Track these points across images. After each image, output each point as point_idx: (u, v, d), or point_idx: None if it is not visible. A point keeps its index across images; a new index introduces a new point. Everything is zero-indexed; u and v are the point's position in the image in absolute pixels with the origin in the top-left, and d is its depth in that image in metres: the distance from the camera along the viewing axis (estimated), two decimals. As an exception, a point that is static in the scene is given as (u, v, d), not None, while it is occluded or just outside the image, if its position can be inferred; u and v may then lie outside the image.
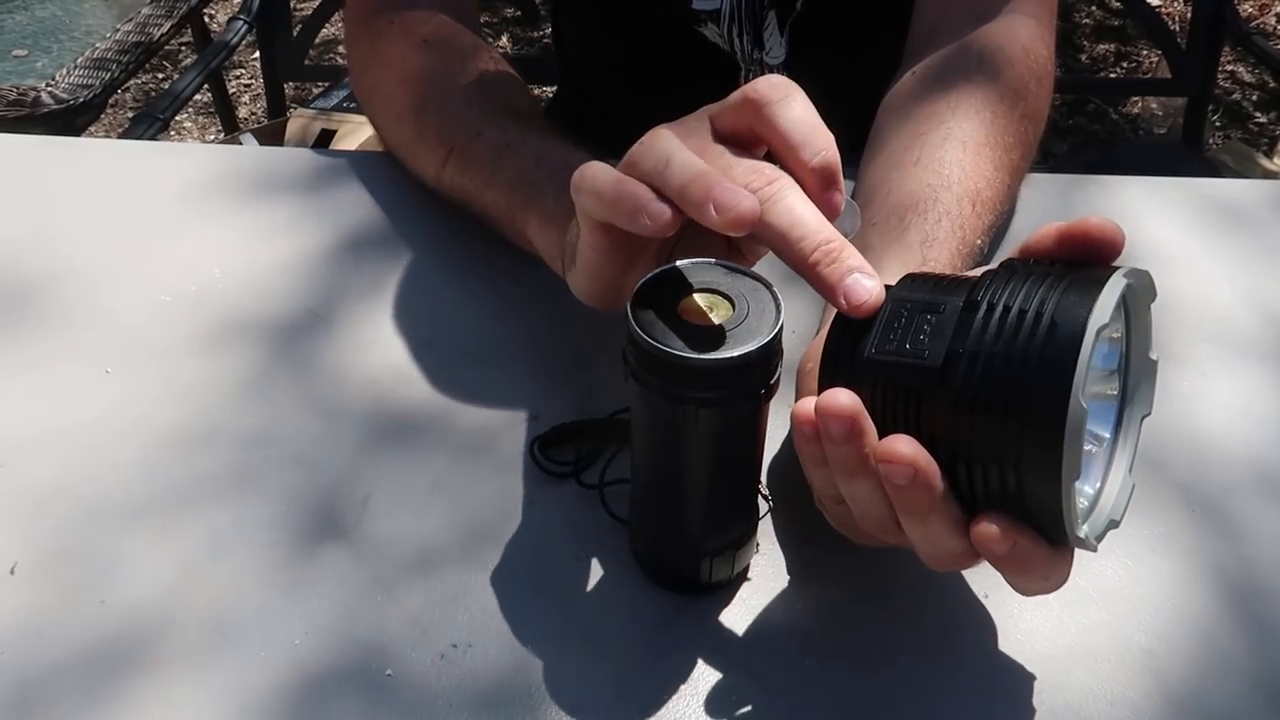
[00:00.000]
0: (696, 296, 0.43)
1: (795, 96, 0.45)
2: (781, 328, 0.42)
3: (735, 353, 0.41)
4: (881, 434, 0.40)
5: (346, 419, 0.58)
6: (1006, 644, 0.47)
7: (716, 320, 0.42)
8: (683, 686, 0.46)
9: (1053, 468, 0.37)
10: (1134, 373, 0.44)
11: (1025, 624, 0.48)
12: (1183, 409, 0.58)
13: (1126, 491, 0.43)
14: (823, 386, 0.42)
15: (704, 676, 0.46)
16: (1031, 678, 0.46)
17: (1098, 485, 0.43)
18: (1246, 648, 0.48)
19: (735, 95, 0.46)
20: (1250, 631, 0.48)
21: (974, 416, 0.39)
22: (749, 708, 0.45)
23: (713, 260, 0.44)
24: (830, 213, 0.44)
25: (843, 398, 0.40)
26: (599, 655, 0.47)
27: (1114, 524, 0.42)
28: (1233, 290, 0.66)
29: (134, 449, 0.56)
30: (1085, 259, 0.41)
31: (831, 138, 0.45)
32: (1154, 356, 0.43)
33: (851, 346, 0.42)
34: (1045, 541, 0.40)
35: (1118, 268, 0.40)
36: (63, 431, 0.57)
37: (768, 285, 0.43)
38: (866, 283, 0.41)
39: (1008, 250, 0.67)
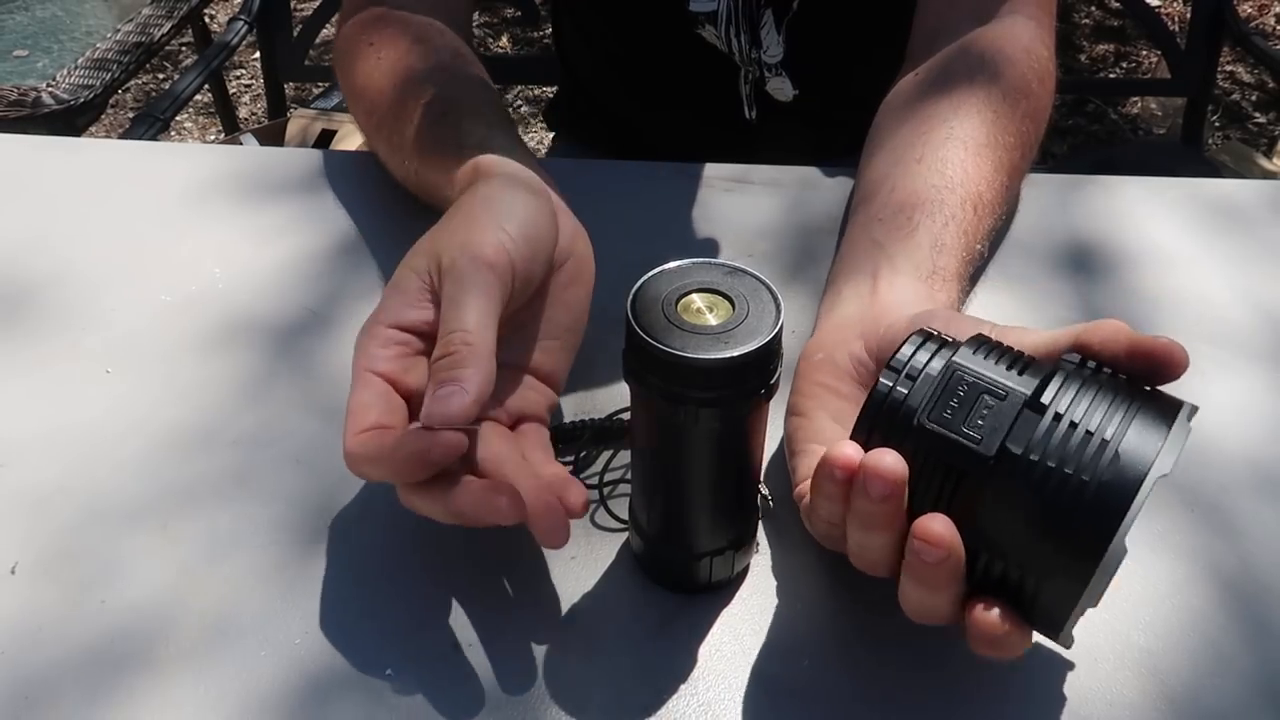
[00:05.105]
0: (696, 296, 0.43)
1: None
2: (781, 328, 0.42)
3: (735, 353, 0.41)
4: (911, 496, 0.40)
5: (346, 419, 0.57)
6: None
7: (716, 320, 0.42)
8: (683, 686, 0.46)
9: (1075, 592, 0.38)
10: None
11: (1025, 624, 0.48)
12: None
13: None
14: (859, 429, 0.42)
15: (704, 676, 0.46)
16: (1031, 678, 0.46)
17: None
18: (1246, 647, 0.48)
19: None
20: (1249, 631, 0.48)
21: (1014, 518, 0.39)
22: (748, 708, 0.45)
23: (713, 260, 0.45)
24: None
25: (890, 460, 0.39)
26: (599, 655, 0.47)
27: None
28: (1231, 290, 0.66)
29: (134, 449, 0.56)
30: (1149, 375, 0.41)
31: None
32: (1190, 425, 0.42)
33: (901, 401, 0.41)
34: (1029, 629, 0.40)
35: (1181, 405, 0.40)
36: (63, 432, 0.57)
37: (768, 285, 0.44)
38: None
39: (1009, 251, 0.68)
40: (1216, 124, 2.36)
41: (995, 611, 0.40)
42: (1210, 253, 0.69)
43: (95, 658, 0.47)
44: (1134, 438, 0.38)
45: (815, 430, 0.49)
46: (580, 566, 0.51)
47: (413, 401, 0.47)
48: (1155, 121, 2.36)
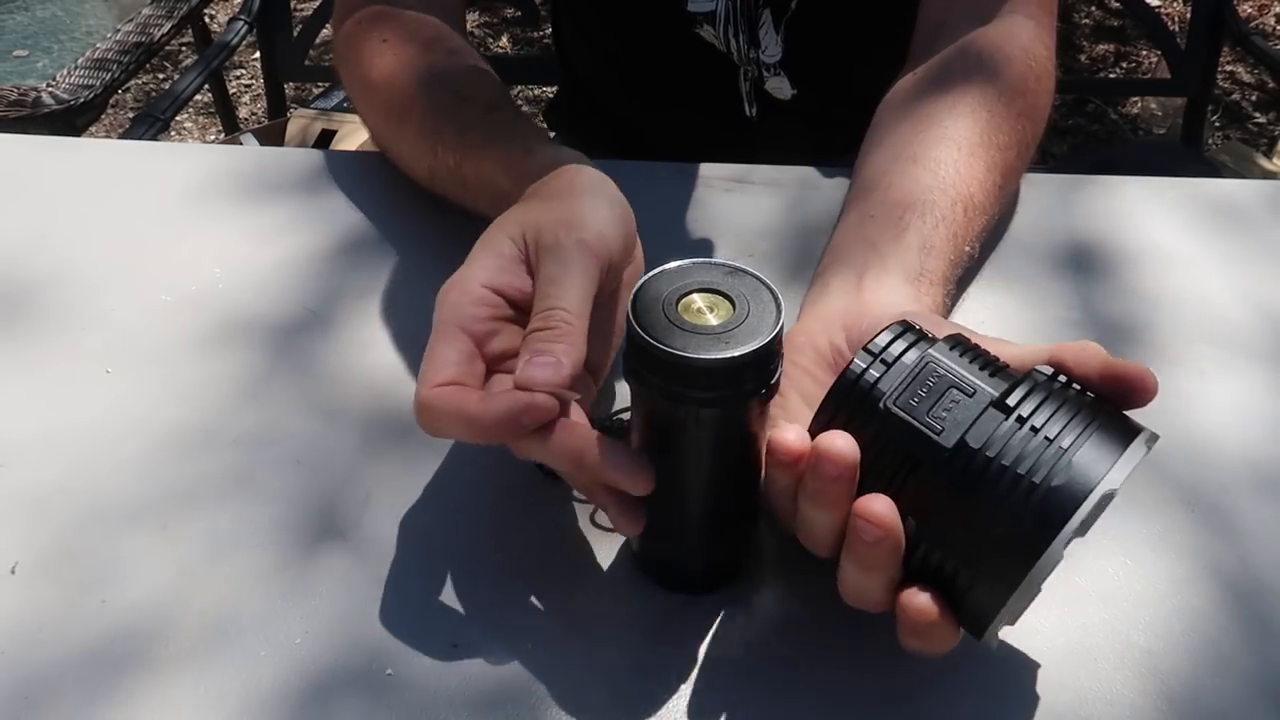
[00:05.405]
0: (697, 296, 0.43)
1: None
2: (782, 328, 0.42)
3: (735, 353, 0.41)
4: (863, 475, 0.41)
5: (346, 419, 0.58)
6: (1005, 644, 0.48)
7: (717, 320, 0.42)
8: (682, 686, 0.46)
9: (1007, 592, 0.39)
10: None
11: (1024, 623, 0.48)
12: (1181, 409, 0.58)
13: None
14: (827, 405, 0.42)
15: (703, 676, 0.46)
16: (1030, 677, 0.46)
17: None
18: (1246, 647, 0.48)
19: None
20: (1249, 631, 0.48)
21: (960, 511, 0.39)
22: (748, 708, 0.45)
23: (713, 260, 0.45)
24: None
25: (841, 444, 0.40)
26: (599, 655, 0.47)
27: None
28: (1231, 290, 0.66)
29: (134, 449, 0.56)
30: (1117, 397, 0.42)
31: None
32: (1148, 449, 0.42)
33: (872, 384, 0.42)
34: (956, 624, 0.41)
35: (1140, 430, 0.41)
36: (63, 432, 0.57)
37: (768, 285, 0.44)
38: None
39: (1009, 251, 0.68)
40: (1216, 124, 2.36)
41: (926, 597, 0.40)
42: (1210, 253, 0.69)
43: (95, 658, 0.47)
44: (1090, 450, 0.39)
45: (786, 409, 0.50)
46: (580, 566, 0.51)
47: (490, 368, 0.47)
48: (1155, 121, 2.36)
